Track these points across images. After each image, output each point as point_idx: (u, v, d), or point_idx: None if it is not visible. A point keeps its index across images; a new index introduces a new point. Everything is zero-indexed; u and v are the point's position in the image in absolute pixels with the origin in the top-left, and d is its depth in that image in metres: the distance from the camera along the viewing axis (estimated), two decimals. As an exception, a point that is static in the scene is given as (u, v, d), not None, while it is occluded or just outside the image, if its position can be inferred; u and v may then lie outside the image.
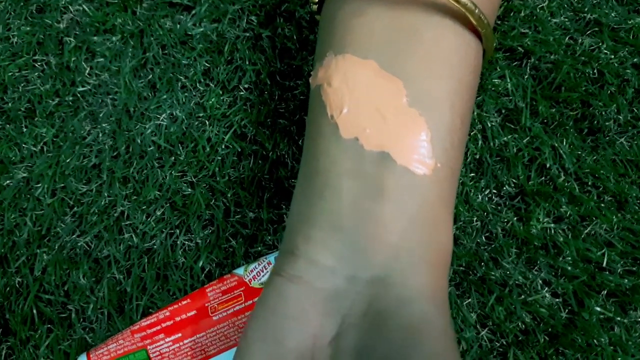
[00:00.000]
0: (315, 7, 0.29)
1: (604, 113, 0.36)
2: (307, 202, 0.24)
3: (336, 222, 0.23)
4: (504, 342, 0.32)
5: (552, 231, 0.34)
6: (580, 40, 0.37)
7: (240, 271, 0.31)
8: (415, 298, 0.22)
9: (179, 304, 0.31)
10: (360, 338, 0.22)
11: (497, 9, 0.30)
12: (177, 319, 0.30)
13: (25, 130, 0.37)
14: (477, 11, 0.24)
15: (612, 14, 0.38)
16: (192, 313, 0.30)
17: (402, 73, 0.24)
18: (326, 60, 0.26)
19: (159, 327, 0.30)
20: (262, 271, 0.31)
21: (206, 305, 0.31)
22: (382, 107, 0.24)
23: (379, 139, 0.23)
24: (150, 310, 0.33)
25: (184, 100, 0.37)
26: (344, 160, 0.24)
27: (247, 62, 0.38)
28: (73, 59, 0.38)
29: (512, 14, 0.38)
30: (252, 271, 0.31)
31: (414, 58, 0.24)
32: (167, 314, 0.30)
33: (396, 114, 0.24)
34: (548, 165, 0.35)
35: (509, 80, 0.36)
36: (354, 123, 0.24)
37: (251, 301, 0.31)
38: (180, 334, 0.30)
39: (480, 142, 0.36)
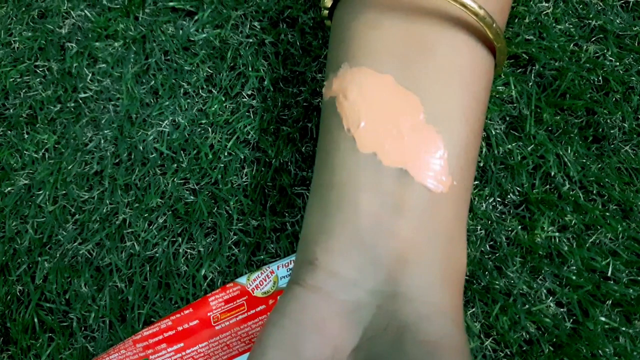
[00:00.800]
0: (326, 12, 0.29)
1: (608, 121, 0.35)
2: (324, 213, 0.24)
3: (356, 236, 0.23)
4: (508, 352, 0.32)
5: (557, 240, 0.33)
6: (585, 47, 0.37)
7: (242, 280, 0.31)
8: (435, 314, 0.22)
9: (181, 313, 0.30)
10: (379, 352, 0.22)
11: (506, 20, 0.30)
12: (180, 328, 0.30)
13: (26, 136, 0.37)
14: (494, 25, 0.24)
15: (617, 21, 0.37)
16: (195, 322, 0.30)
17: (419, 89, 0.24)
18: (341, 72, 0.25)
19: (161, 337, 0.30)
20: (265, 280, 0.31)
21: (208, 314, 0.30)
22: (400, 123, 0.24)
23: (397, 155, 0.23)
24: (152, 319, 0.33)
25: (186, 106, 0.37)
26: (362, 175, 0.24)
27: (250, 68, 0.38)
28: (75, 64, 0.38)
29: (516, 20, 0.38)
30: (254, 280, 0.31)
31: (430, 74, 0.24)
32: (169, 323, 0.30)
33: (414, 130, 0.24)
34: (552, 174, 0.35)
35: (513, 87, 0.36)
36: (372, 138, 0.24)
37: (254, 310, 0.31)
38: (182, 344, 0.30)
39: (484, 150, 0.35)
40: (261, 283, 0.31)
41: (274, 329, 0.23)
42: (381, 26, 0.25)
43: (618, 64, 0.36)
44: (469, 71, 0.25)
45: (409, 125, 0.24)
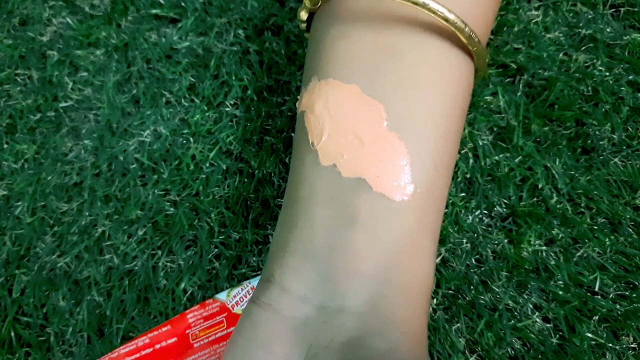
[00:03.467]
0: (304, 25, 0.28)
1: (598, 132, 0.35)
2: (285, 229, 0.24)
3: (309, 251, 0.23)
4: (493, 369, 0.31)
5: (544, 254, 0.33)
6: (574, 56, 0.36)
7: (222, 296, 0.31)
8: (382, 329, 0.22)
9: (159, 331, 0.30)
10: None
11: (490, 25, 0.29)
12: (157, 346, 0.30)
13: (5, 146, 0.36)
14: (467, 29, 0.24)
15: (608, 30, 0.37)
16: (173, 340, 0.30)
17: (384, 97, 0.23)
18: (310, 86, 0.25)
19: (138, 355, 0.29)
20: (246, 296, 0.30)
21: (187, 332, 0.30)
22: (361, 132, 0.23)
23: (355, 165, 0.23)
24: (130, 334, 0.32)
25: (168, 116, 0.36)
26: (321, 188, 0.23)
27: (234, 77, 0.37)
28: (56, 73, 0.38)
29: (505, 29, 0.37)
30: (235, 296, 0.31)
31: (397, 81, 0.24)
32: (147, 341, 0.30)
33: (375, 138, 0.23)
34: (540, 186, 0.34)
35: (501, 98, 0.36)
36: (333, 150, 0.23)
37: (233, 328, 0.30)
38: (159, 363, 0.29)
39: (471, 161, 0.35)
40: (241, 299, 0.30)
41: (230, 347, 0.23)
42: (349, 36, 0.25)
43: (608, 74, 0.36)
44: (440, 75, 0.24)
45: (371, 133, 0.23)
